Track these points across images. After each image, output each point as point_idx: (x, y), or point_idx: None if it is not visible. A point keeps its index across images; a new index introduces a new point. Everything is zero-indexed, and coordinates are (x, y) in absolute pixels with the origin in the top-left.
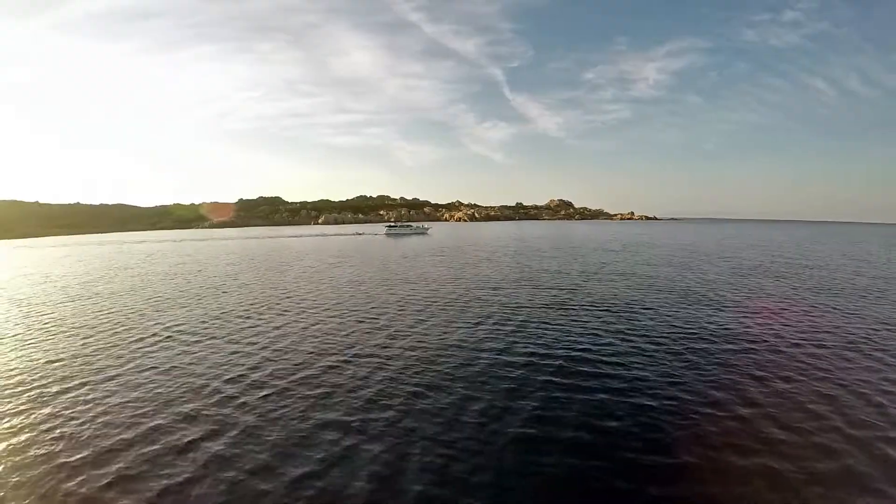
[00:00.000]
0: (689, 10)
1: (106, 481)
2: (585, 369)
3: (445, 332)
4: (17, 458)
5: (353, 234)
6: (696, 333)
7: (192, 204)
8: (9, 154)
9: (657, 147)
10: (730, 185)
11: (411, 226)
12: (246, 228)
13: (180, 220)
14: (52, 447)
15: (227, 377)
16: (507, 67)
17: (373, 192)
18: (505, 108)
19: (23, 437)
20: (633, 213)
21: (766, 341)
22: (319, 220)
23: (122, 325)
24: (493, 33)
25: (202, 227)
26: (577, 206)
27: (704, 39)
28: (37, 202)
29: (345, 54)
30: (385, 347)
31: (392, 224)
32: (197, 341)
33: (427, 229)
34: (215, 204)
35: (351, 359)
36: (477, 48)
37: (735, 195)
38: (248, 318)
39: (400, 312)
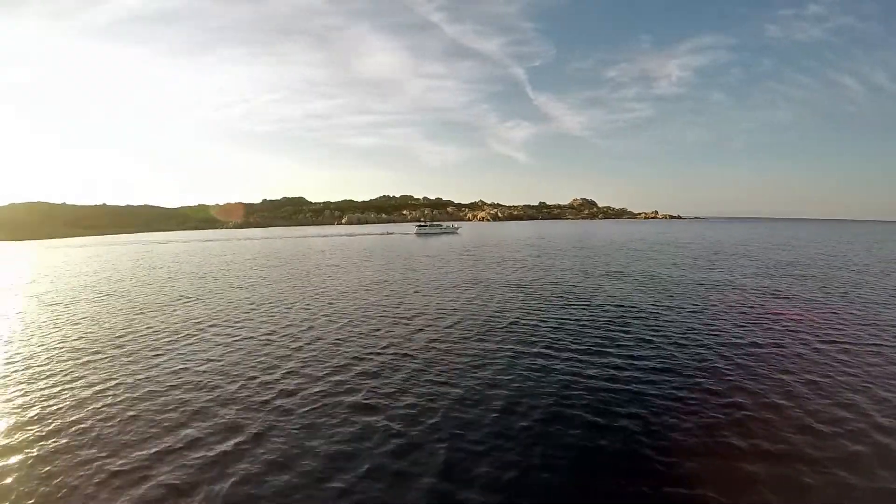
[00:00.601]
0: (711, 5)
1: (140, 481)
2: (615, 368)
3: (477, 331)
4: (52, 458)
5: (384, 234)
6: (719, 334)
7: (217, 204)
8: (37, 157)
9: (681, 146)
10: (756, 183)
11: (441, 225)
12: (270, 228)
13: (205, 221)
14: (86, 446)
15: (264, 374)
16: (530, 67)
17: (396, 193)
18: (528, 107)
19: (58, 438)
20: (656, 212)
21: (792, 343)
22: (343, 220)
23: (155, 323)
24: (514, 33)
25: (226, 228)
26: (600, 205)
27: (727, 35)
28: (63, 203)
29: (367, 56)
30: (421, 347)
31: (422, 223)
32: (231, 339)
33: (457, 229)
34: (239, 204)
35: (387, 357)
36: (499, 48)
37: (761, 194)
38: (283, 314)
39: (435, 311)
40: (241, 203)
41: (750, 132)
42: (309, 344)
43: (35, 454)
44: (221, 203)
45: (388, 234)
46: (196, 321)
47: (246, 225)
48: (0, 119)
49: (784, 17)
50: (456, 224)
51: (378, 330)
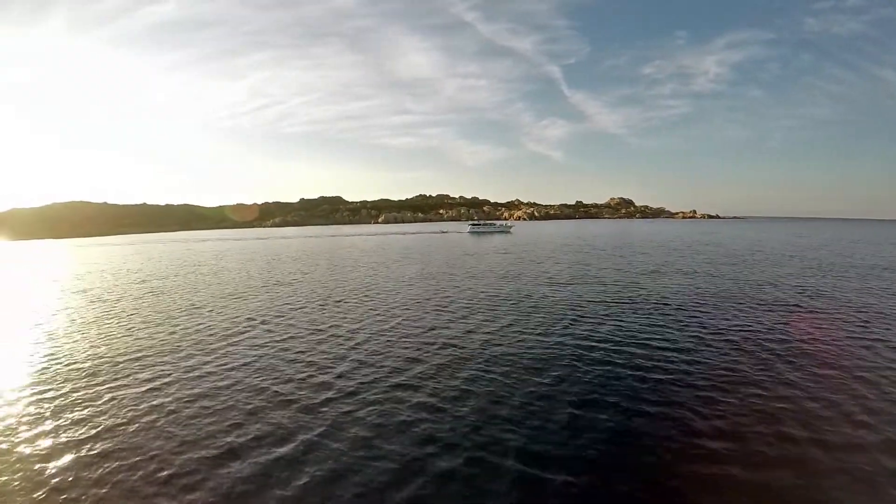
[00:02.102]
0: None
1: (199, 484)
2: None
3: (525, 325)
4: (110, 455)
5: (440, 233)
6: (755, 336)
7: (255, 204)
8: (80, 158)
9: (719, 143)
10: (796, 182)
11: (494, 224)
12: (306, 227)
13: (244, 220)
14: (144, 445)
15: (321, 374)
16: (564, 65)
17: (432, 192)
18: (563, 105)
19: (115, 436)
20: (695, 212)
21: (829, 347)
22: (379, 219)
23: (208, 320)
24: (548, 31)
25: (264, 227)
26: (637, 204)
27: (764, 30)
28: (105, 202)
29: (401, 56)
30: (476, 345)
31: (476, 222)
32: (285, 337)
33: (510, 227)
34: (277, 203)
35: (438, 354)
36: (533, 46)
37: (802, 193)
38: (337, 310)
39: (488, 307)
40: (290, 202)
41: (789, 129)
42: (365, 342)
43: (92, 453)
44: (259, 203)
45: (444, 232)
46: (249, 318)
47: (283, 224)
48: (43, 123)
49: (822, 10)
50: (509, 223)
51: (457, 321)
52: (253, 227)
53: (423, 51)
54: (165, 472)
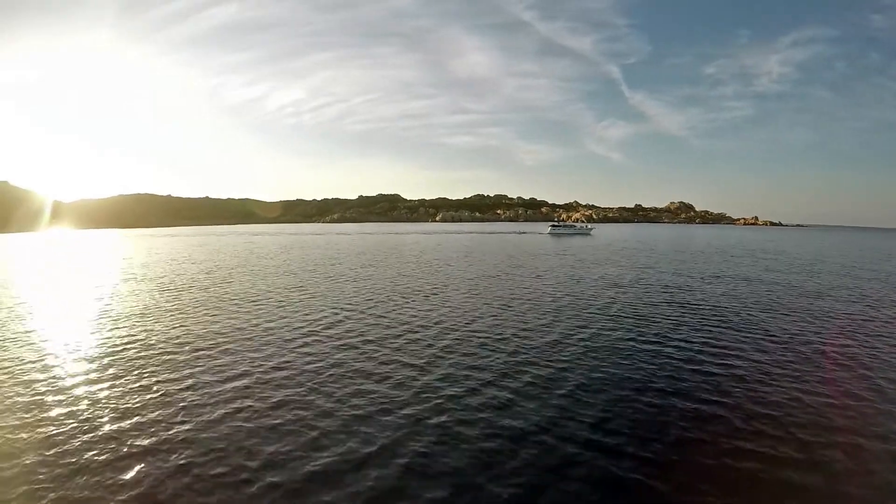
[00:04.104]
0: None
1: (269, 489)
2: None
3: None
4: (176, 451)
5: (520, 233)
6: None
7: (314, 199)
8: (148, 154)
9: (783, 147)
10: (866, 188)
11: (575, 226)
12: (364, 224)
13: (303, 215)
14: (221, 430)
15: (395, 373)
16: (624, 64)
17: (490, 192)
18: (623, 106)
19: (195, 418)
20: (756, 218)
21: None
22: (437, 218)
23: (277, 314)
24: (608, 29)
25: (322, 222)
26: (698, 209)
27: (831, 27)
28: (169, 195)
29: (460, 56)
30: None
31: (556, 223)
32: (359, 338)
33: (591, 229)
34: (336, 200)
35: (530, 358)
36: (592, 45)
37: (872, 201)
38: (421, 309)
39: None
40: (348, 199)
41: (857, 132)
42: (444, 342)
43: (175, 439)
44: (318, 199)
45: (523, 233)
46: (333, 310)
47: (341, 220)
48: (117, 121)
49: (890, 7)
50: (589, 225)
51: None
52: (311, 222)
53: (481, 50)
54: (250, 463)
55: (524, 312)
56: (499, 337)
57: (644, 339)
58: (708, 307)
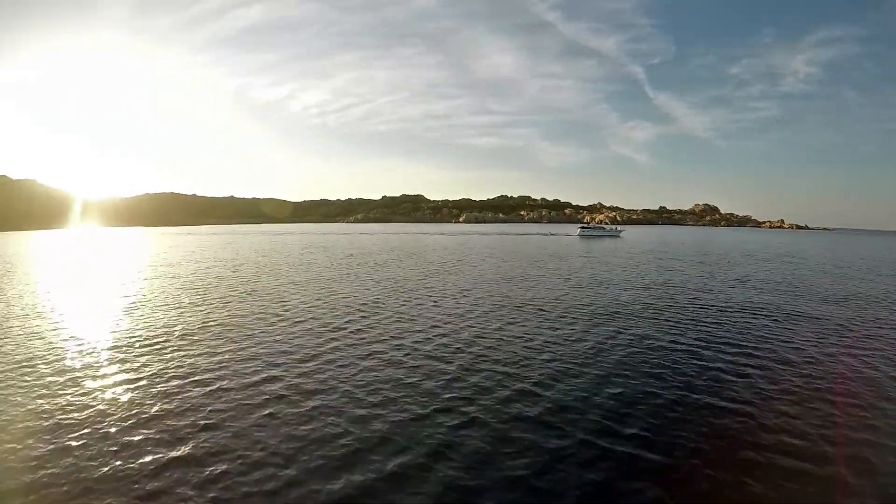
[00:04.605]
0: None
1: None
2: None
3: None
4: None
5: (547, 234)
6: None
7: (338, 199)
8: (174, 154)
9: (810, 149)
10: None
11: (605, 228)
12: (388, 224)
13: (327, 215)
14: (251, 432)
15: (427, 380)
16: (648, 65)
17: (513, 193)
18: (647, 107)
19: (225, 418)
20: (782, 222)
21: None
22: (461, 219)
23: (304, 314)
24: (632, 29)
25: (346, 222)
26: (723, 211)
27: (858, 26)
28: (194, 195)
29: (484, 57)
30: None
31: (585, 225)
32: (392, 343)
33: (620, 232)
34: (360, 200)
35: (566, 366)
36: (616, 45)
37: None
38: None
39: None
40: (372, 199)
41: (886, 133)
42: (477, 345)
43: (202, 441)
44: (342, 199)
45: (551, 234)
46: (358, 308)
47: (365, 220)
48: (144, 122)
49: None
50: (619, 228)
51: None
52: (335, 222)
53: (505, 51)
54: (282, 473)
55: (563, 317)
56: (535, 343)
57: (697, 345)
58: (751, 313)
